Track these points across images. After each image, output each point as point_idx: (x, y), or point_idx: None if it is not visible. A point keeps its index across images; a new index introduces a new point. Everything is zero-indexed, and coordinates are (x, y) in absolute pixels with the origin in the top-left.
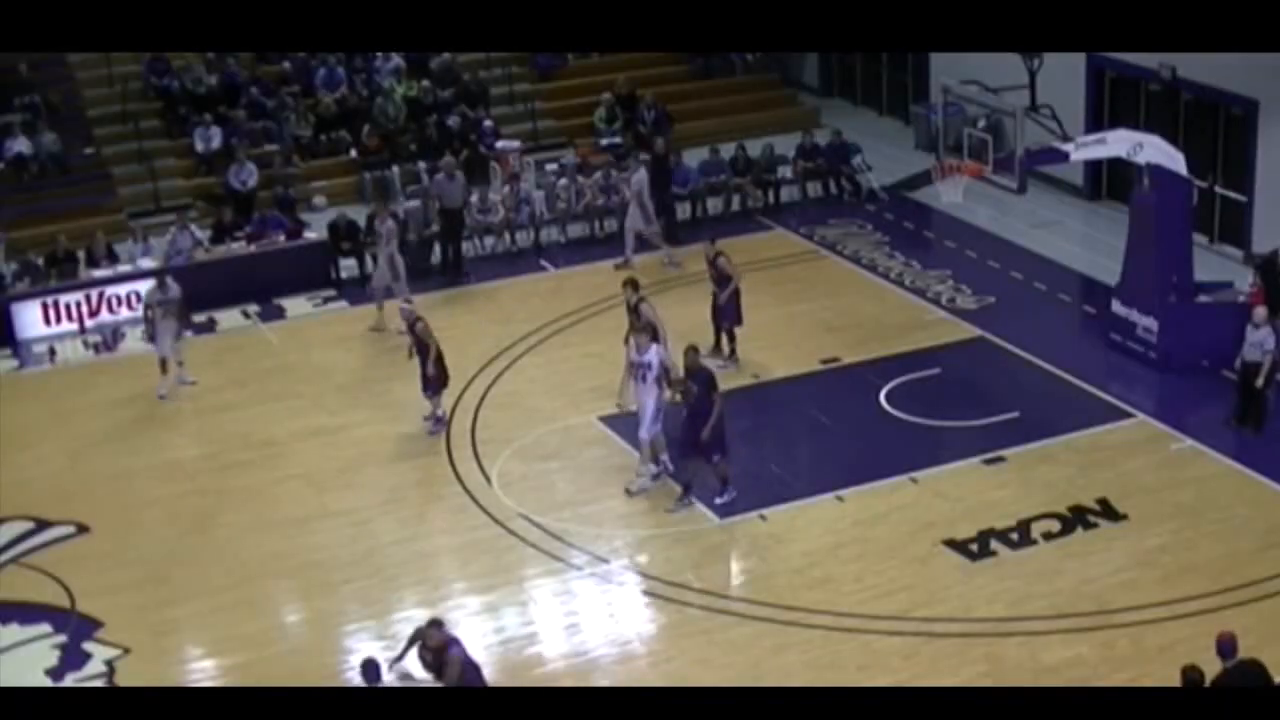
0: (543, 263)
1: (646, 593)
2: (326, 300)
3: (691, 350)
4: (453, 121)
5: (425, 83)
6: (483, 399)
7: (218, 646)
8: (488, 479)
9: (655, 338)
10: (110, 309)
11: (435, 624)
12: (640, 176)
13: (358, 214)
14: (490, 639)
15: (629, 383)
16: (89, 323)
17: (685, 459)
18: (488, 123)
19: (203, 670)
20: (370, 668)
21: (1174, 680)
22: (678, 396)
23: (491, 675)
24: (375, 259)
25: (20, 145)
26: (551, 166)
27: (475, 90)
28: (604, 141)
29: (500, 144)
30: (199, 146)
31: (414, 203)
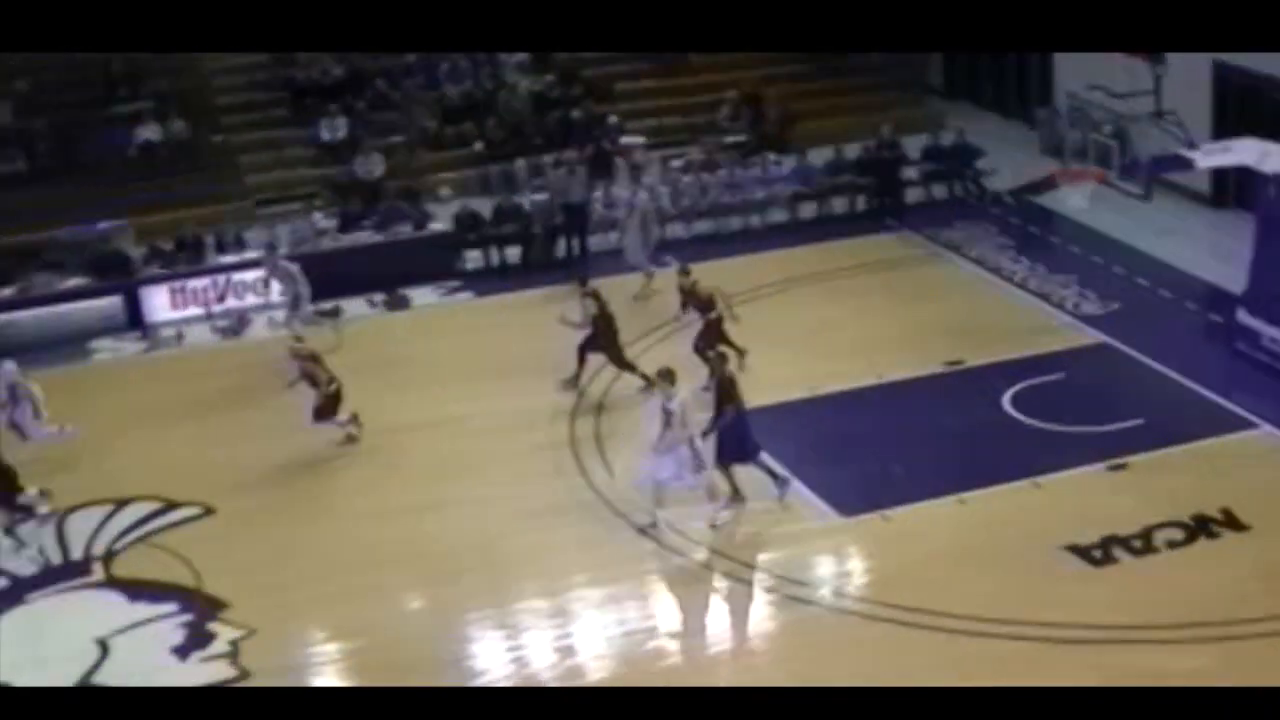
0: (666, 259)
1: (769, 590)
2: (452, 291)
3: (719, 356)
4: (577, 116)
5: (550, 77)
6: (607, 392)
7: (339, 631)
8: (611, 473)
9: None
10: (237, 295)
11: None
12: (644, 198)
13: (483, 206)
14: (612, 631)
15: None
16: (216, 308)
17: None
18: (612, 118)
19: (324, 654)
20: None
21: None
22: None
23: (613, 668)
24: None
25: (150, 132)
26: (676, 163)
27: (600, 85)
28: (728, 139)
29: (625, 139)
30: (325, 136)
31: (540, 196)
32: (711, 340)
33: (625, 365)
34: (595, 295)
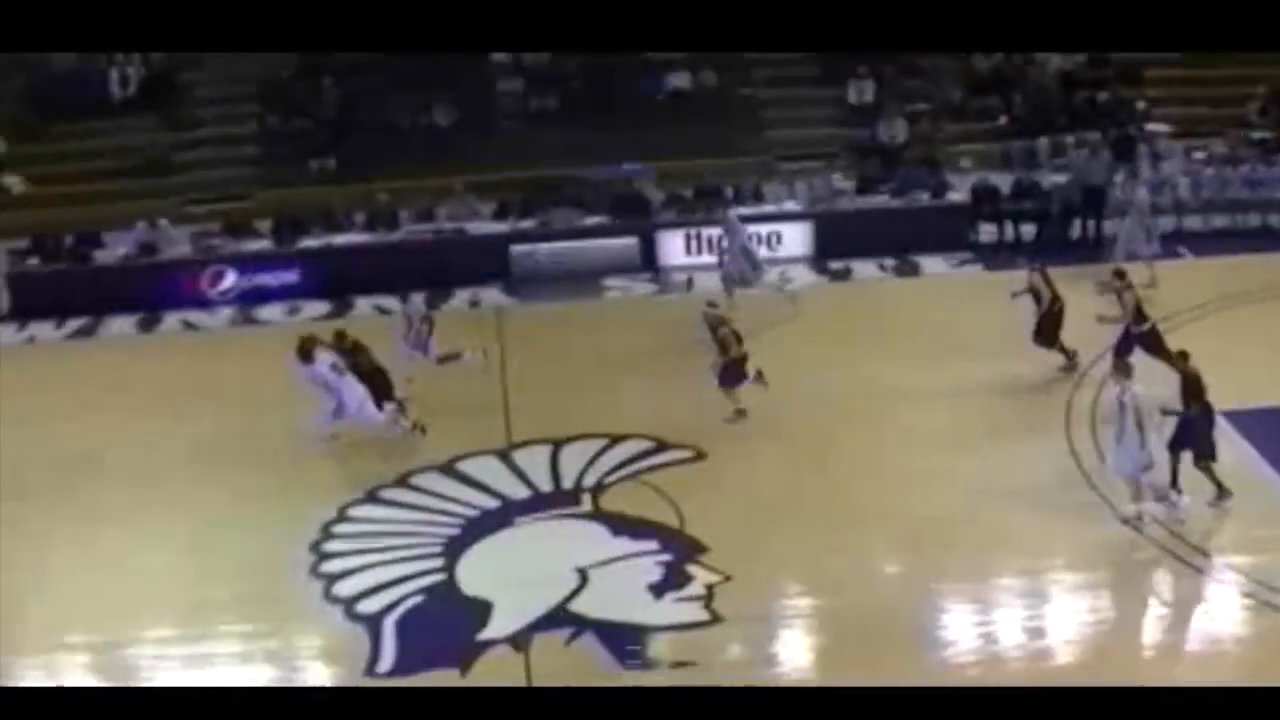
0: (1180, 249)
1: (1246, 594)
2: (963, 263)
3: (1181, 354)
4: (1104, 99)
5: (1081, 57)
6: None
7: (812, 586)
8: (1102, 458)
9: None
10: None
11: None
12: (1142, 195)
13: (1001, 180)
14: (1084, 618)
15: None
16: (727, 258)
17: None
18: (1140, 103)
19: (794, 607)
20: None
21: None
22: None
23: (1079, 655)
24: None
25: (681, 80)
26: (1199, 154)
27: (1130, 69)
28: (1255, 135)
29: (1150, 126)
30: (852, 98)
31: (1060, 176)
32: (1154, 347)
33: (1050, 344)
34: (1041, 273)
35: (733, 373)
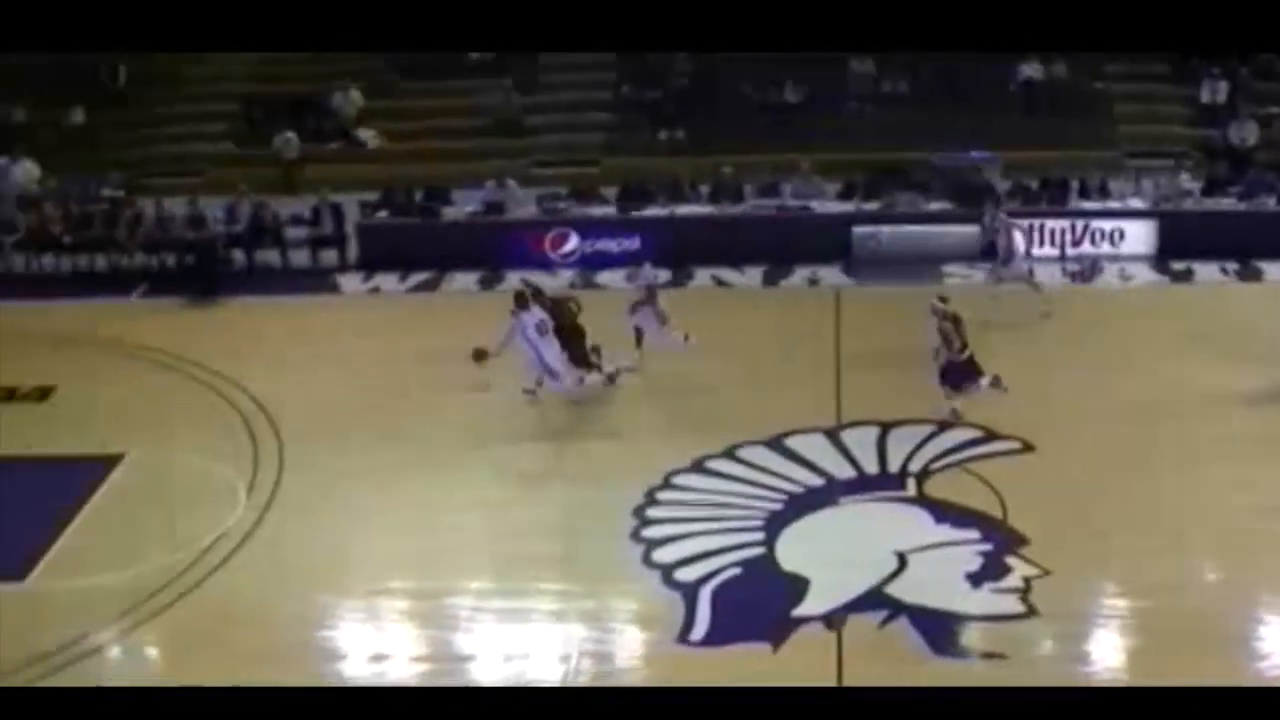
0: None
1: None
2: None
3: None
4: None
5: None
6: None
7: (1128, 587)
8: None
9: None
10: (1093, 241)
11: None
12: None
13: None
14: None
15: None
16: (1070, 251)
17: None
18: None
19: (1111, 607)
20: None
21: None
22: None
23: None
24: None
25: (1033, 71)
26: None
27: None
28: None
29: None
30: (1205, 97)
31: None
32: None
33: None
34: None
35: (956, 372)
